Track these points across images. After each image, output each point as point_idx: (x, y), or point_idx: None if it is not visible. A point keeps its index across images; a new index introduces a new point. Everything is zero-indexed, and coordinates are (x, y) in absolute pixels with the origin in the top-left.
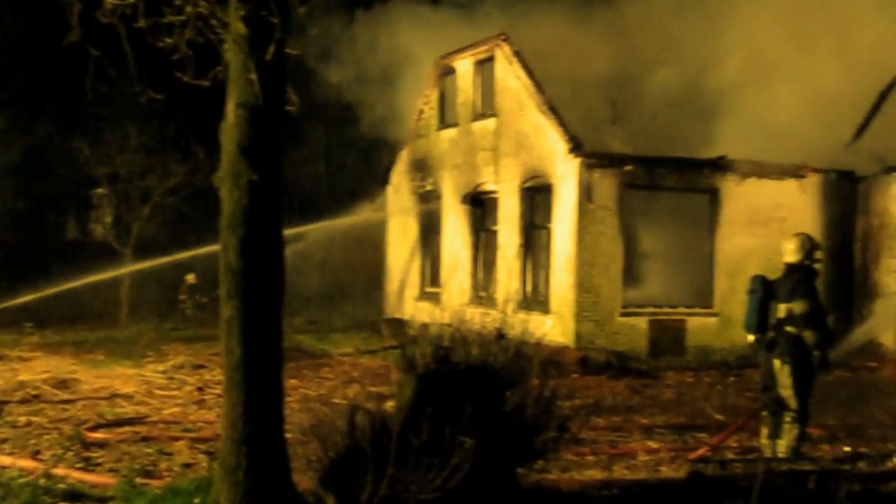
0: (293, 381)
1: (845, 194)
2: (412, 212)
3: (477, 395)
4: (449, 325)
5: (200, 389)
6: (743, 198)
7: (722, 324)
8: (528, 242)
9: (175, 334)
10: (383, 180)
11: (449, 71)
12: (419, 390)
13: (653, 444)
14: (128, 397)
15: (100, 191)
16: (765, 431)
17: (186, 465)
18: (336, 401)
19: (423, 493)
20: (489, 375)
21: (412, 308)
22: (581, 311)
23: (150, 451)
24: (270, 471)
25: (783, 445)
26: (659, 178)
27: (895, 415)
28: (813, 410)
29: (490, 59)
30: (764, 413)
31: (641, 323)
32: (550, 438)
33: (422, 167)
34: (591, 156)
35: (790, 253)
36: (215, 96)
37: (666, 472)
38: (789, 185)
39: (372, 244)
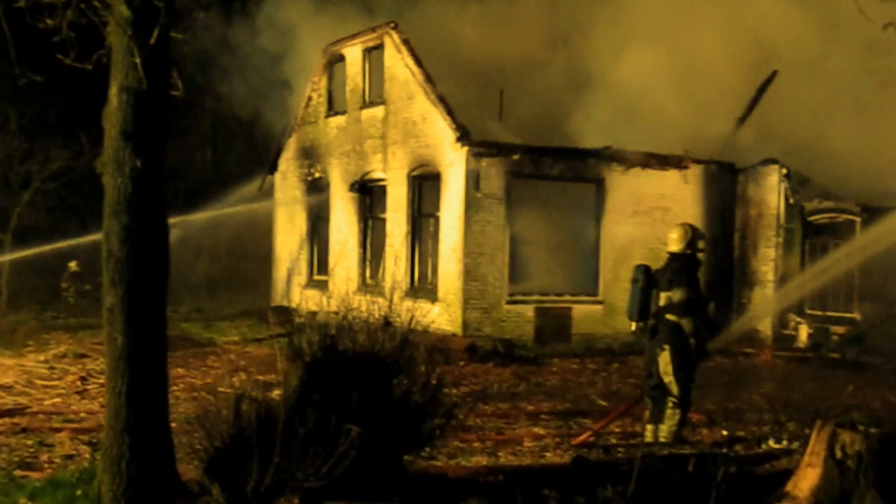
0: (178, 370)
1: (725, 185)
2: (300, 199)
3: (363, 383)
4: (336, 313)
5: (83, 379)
6: (628, 187)
7: (607, 311)
8: (415, 230)
9: (57, 323)
10: (271, 167)
11: (338, 58)
12: (306, 378)
13: (538, 431)
14: (7, 388)
15: None
16: (647, 416)
17: (68, 457)
18: (222, 389)
19: (310, 481)
20: (376, 363)
21: (300, 296)
22: (468, 298)
23: (30, 442)
24: (155, 460)
25: (665, 430)
26: (546, 167)
27: (770, 399)
28: (693, 396)
29: (379, 47)
30: (647, 399)
31: (528, 311)
32: (437, 425)
33: (310, 154)
34: (479, 145)
35: (674, 242)
36: (99, 79)
37: (551, 457)
38: (672, 176)
39: (259, 232)
